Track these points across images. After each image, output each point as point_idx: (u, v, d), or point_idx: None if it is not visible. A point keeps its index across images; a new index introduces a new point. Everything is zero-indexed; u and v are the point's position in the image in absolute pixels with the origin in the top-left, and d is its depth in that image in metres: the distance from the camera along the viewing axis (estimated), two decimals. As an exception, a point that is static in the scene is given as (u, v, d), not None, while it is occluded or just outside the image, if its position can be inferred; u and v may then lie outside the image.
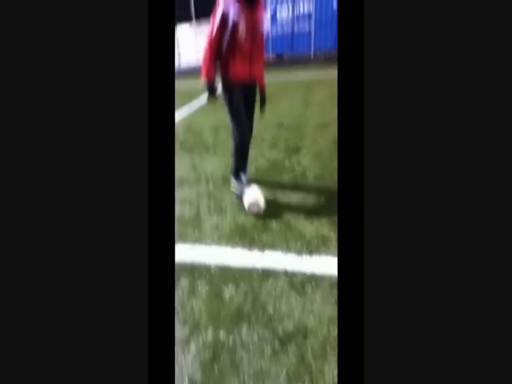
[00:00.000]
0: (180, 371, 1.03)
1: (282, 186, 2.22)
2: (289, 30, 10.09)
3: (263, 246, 1.60)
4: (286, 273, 1.40)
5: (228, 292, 1.33)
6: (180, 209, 1.99)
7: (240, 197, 1.99)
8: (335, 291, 1.27)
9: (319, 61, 9.06)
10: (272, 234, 1.69)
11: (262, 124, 2.82)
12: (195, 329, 1.17)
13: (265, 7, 1.82)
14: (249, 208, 1.88)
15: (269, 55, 9.84)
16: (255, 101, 2.05)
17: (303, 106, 4.48)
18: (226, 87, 1.91)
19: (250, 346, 1.09)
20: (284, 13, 9.95)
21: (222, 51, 1.81)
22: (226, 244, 1.64)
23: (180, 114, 4.55)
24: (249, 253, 1.56)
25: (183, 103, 5.25)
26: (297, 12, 9.83)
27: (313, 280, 1.35)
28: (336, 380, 0.95)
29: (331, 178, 2.25)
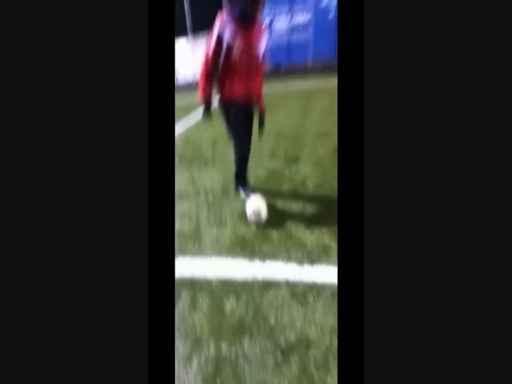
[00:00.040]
0: (183, 385, 1.02)
1: (282, 196, 2.23)
2: (287, 40, 10.28)
3: (263, 256, 1.60)
4: (287, 283, 1.40)
5: (229, 304, 1.32)
6: (179, 223, 2.00)
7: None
8: (337, 300, 1.26)
9: (317, 70, 9.17)
10: (273, 244, 1.69)
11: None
12: (197, 343, 1.16)
13: (262, 28, 1.83)
14: (250, 218, 1.87)
15: (267, 65, 9.98)
16: (252, 120, 2.05)
17: (302, 115, 4.52)
18: (223, 106, 1.94)
19: (253, 358, 1.08)
20: (281, 23, 10.16)
21: (218, 71, 1.83)
22: (227, 256, 1.64)
23: (177, 129, 4.58)
24: (250, 263, 1.56)
25: (180, 117, 5.30)
26: (294, 22, 10.03)
27: (314, 289, 1.35)
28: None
29: (331, 187, 2.26)
